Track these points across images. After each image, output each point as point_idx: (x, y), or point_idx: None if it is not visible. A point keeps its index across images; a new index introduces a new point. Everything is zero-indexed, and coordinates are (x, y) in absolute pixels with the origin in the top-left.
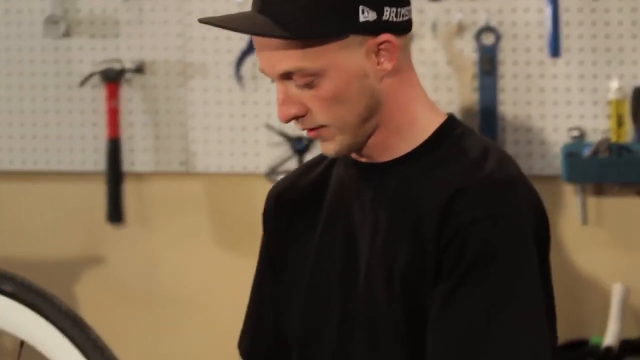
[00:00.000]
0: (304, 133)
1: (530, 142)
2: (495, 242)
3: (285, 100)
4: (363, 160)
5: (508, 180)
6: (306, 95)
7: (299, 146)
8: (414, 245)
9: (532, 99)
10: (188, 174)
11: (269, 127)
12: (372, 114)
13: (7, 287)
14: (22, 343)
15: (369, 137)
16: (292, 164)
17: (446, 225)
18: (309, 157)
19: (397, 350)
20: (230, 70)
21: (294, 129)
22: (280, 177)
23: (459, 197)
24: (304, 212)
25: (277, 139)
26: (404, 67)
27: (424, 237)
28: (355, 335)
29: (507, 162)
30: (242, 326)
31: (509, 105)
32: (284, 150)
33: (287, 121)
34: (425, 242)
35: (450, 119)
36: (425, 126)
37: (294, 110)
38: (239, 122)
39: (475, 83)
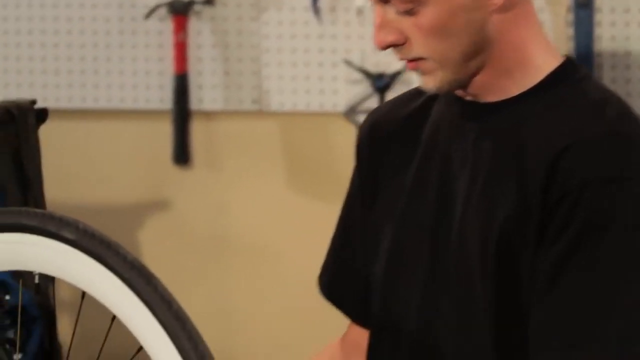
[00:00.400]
0: (386, 70)
1: (629, 80)
2: (607, 208)
3: (382, 26)
4: (468, 98)
5: (628, 137)
6: (406, 23)
7: (380, 83)
8: (516, 198)
9: (631, 34)
10: (260, 113)
11: (348, 62)
12: (478, 52)
13: (68, 234)
14: (83, 294)
15: (473, 75)
16: (373, 103)
17: (554, 182)
18: (390, 95)
19: (485, 304)
20: (307, 1)
21: (375, 65)
22: (360, 116)
23: (572, 151)
24: (399, 145)
25: (357, 75)
26: (519, 2)
27: (528, 191)
28: (443, 287)
29: (629, 116)
30: (325, 258)
31: (606, 41)
32: (364, 87)
33: (384, 49)
34: (529, 196)
35: (569, 62)
36: (540, 68)
37: (390, 38)
38: (316, 58)
39: (570, 17)
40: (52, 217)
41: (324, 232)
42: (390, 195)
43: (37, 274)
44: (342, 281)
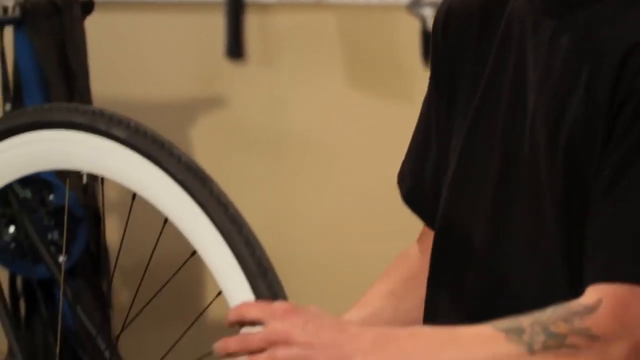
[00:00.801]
0: None
1: None
2: None
3: None
4: None
5: None
6: None
7: None
8: (585, 102)
9: None
10: (319, 5)
11: None
12: None
13: (119, 133)
14: (134, 195)
15: None
16: None
17: (623, 81)
18: None
19: (554, 212)
20: None
21: None
22: (425, 9)
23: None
24: (475, 37)
25: None
26: None
27: (598, 92)
28: (514, 196)
29: None
30: (405, 156)
31: None
32: None
33: None
34: (599, 97)
35: None
36: None
37: None
38: None
39: None
40: (102, 114)
41: (385, 130)
42: (465, 91)
43: (85, 174)
44: (418, 185)
